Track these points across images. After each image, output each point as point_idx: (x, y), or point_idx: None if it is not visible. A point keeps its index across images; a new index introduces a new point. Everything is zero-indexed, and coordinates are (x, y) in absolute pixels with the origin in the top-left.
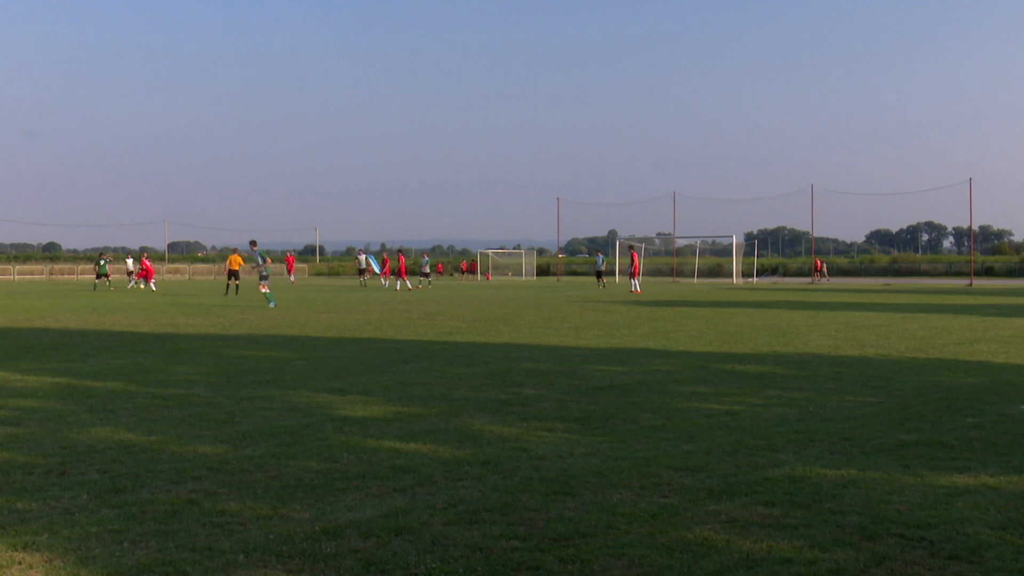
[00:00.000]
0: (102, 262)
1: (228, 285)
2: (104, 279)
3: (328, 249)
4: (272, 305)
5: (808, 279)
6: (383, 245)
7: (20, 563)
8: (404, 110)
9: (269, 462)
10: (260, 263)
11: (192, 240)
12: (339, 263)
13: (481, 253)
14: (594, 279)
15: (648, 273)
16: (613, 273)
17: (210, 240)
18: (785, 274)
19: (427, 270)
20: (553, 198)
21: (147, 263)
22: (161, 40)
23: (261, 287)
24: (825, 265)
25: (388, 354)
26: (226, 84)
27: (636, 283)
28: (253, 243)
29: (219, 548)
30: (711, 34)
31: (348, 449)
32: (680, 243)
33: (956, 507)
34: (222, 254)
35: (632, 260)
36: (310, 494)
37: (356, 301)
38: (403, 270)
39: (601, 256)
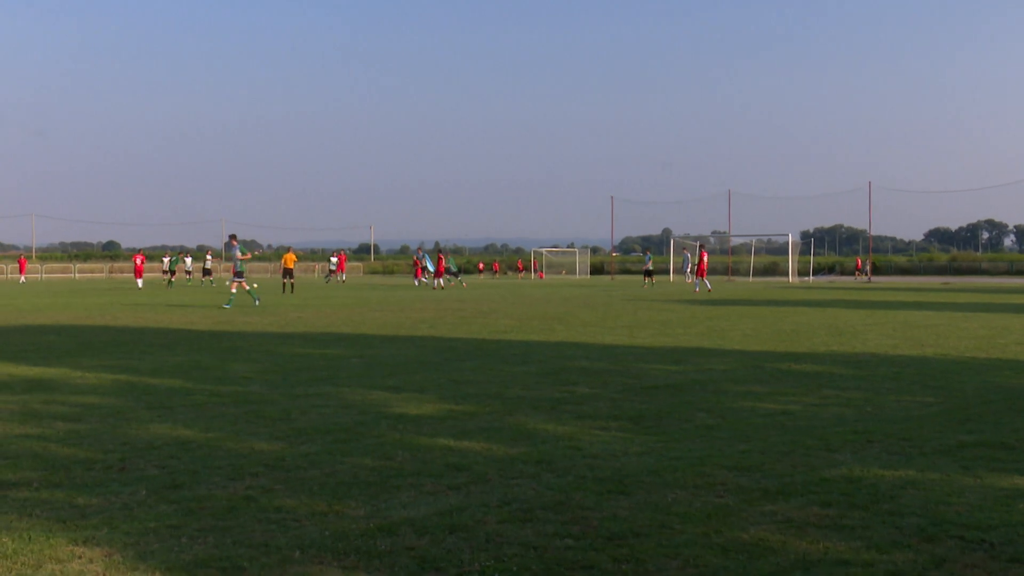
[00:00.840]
0: (172, 258)
1: (284, 284)
2: (170, 276)
3: (383, 248)
4: (256, 303)
5: (861, 278)
6: (437, 244)
7: (80, 557)
8: (461, 109)
9: (324, 459)
10: (237, 258)
11: (249, 238)
12: (393, 261)
13: (535, 252)
14: (641, 278)
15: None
16: (667, 271)
17: (267, 238)
18: (842, 273)
19: (453, 269)
20: (607, 197)
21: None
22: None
23: (233, 285)
24: (867, 264)
25: (442, 352)
26: (282, 83)
27: (706, 282)
28: (233, 237)
29: (275, 544)
30: (766, 29)
31: (402, 447)
32: (735, 241)
33: (1017, 509)
34: (278, 252)
35: (701, 258)
36: (365, 491)
37: (410, 299)
38: (440, 269)
39: (649, 255)
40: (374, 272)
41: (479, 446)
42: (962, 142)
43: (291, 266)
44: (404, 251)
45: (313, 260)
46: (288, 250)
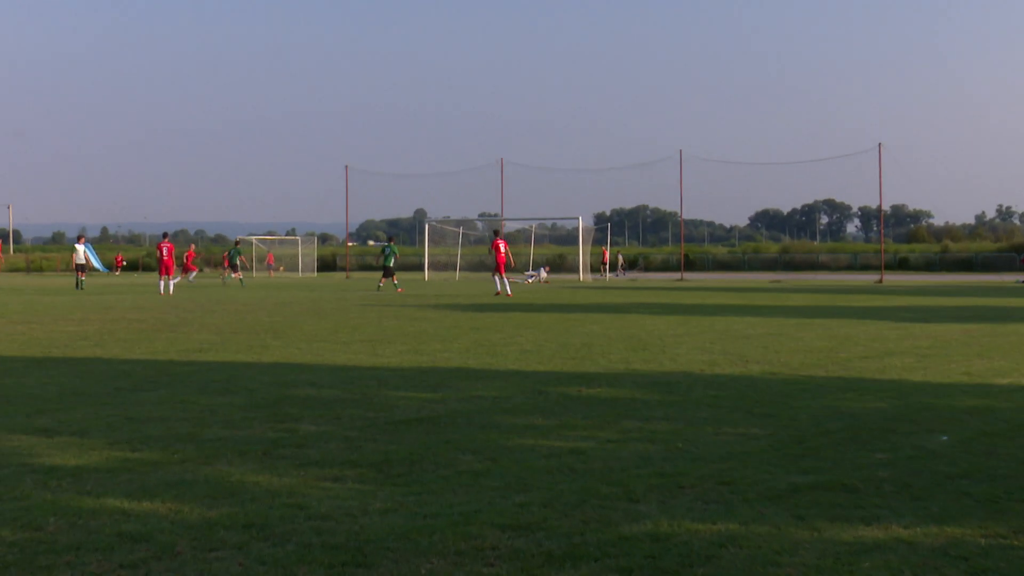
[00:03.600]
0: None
1: None
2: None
3: (27, 235)
4: None
5: (676, 275)
6: (104, 230)
7: None
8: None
9: None
10: None
11: None
12: (43, 255)
13: (241, 240)
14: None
15: (466, 267)
16: (419, 267)
17: None
18: (647, 268)
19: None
20: (340, 167)
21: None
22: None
23: None
24: (622, 256)
25: (112, 379)
26: None
27: (504, 281)
28: None
29: None
30: None
31: (56, 511)
32: (510, 227)
33: (862, 568)
34: None
35: (497, 251)
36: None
37: (67, 307)
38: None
39: (390, 246)
40: (15, 270)
41: (165, 507)
42: (796, 109)
43: None
44: (59, 239)
45: None
46: None
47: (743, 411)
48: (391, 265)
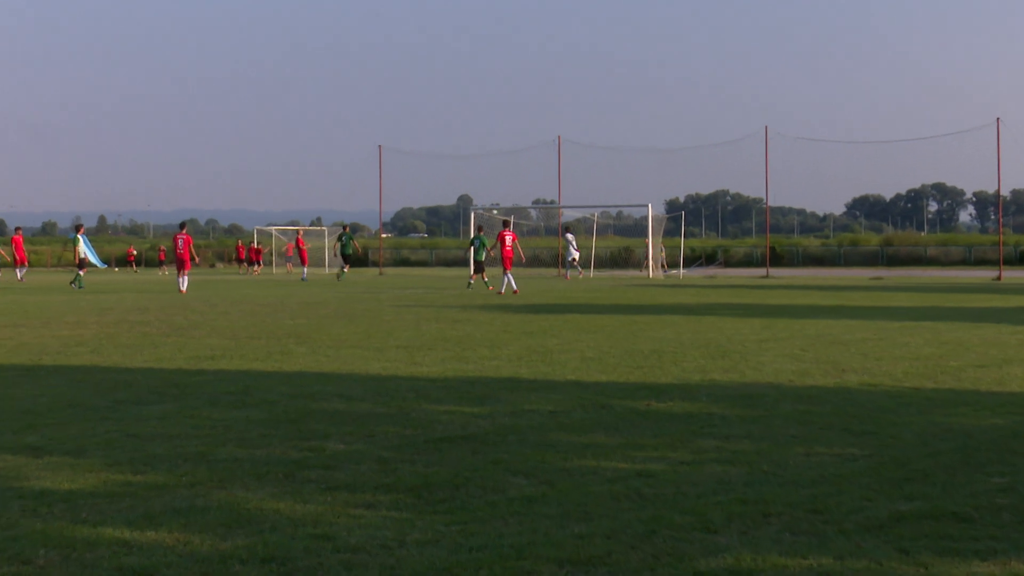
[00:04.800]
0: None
1: None
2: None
3: (13, 224)
4: None
5: (760, 271)
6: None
7: None
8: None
9: None
10: None
11: None
12: (31, 247)
13: (260, 231)
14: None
15: (518, 262)
16: (465, 262)
17: None
18: (727, 263)
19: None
20: (372, 148)
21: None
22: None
23: None
24: (664, 251)
25: (113, 390)
26: None
27: (509, 277)
28: None
29: None
30: None
31: (47, 542)
32: (568, 215)
33: None
34: None
35: (502, 243)
36: None
37: (61, 309)
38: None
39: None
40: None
41: (172, 538)
42: (899, 75)
43: None
44: (49, 230)
45: None
46: None
47: (838, 428)
48: (482, 260)
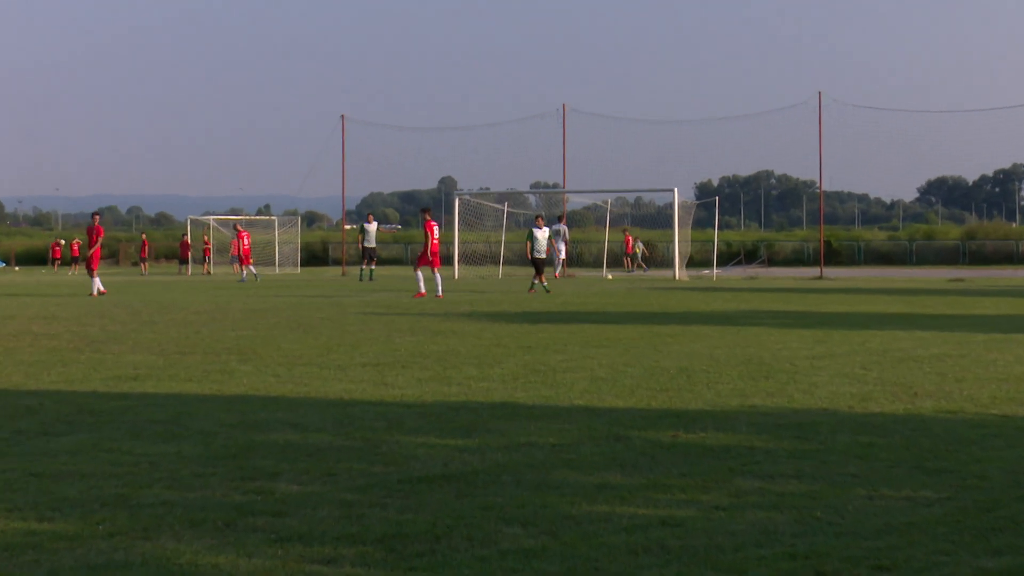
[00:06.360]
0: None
1: None
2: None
3: None
4: None
5: (813, 271)
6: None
7: None
8: None
9: None
10: None
11: None
12: None
13: (194, 221)
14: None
15: (513, 259)
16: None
17: None
18: (771, 261)
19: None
20: (334, 119)
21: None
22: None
23: None
24: (641, 244)
25: (12, 419)
26: None
27: (436, 278)
28: None
29: None
30: None
31: None
32: (575, 202)
33: None
34: None
35: (429, 234)
36: None
37: None
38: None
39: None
40: None
41: None
42: (980, 32)
43: None
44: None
45: None
46: None
47: (909, 465)
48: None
